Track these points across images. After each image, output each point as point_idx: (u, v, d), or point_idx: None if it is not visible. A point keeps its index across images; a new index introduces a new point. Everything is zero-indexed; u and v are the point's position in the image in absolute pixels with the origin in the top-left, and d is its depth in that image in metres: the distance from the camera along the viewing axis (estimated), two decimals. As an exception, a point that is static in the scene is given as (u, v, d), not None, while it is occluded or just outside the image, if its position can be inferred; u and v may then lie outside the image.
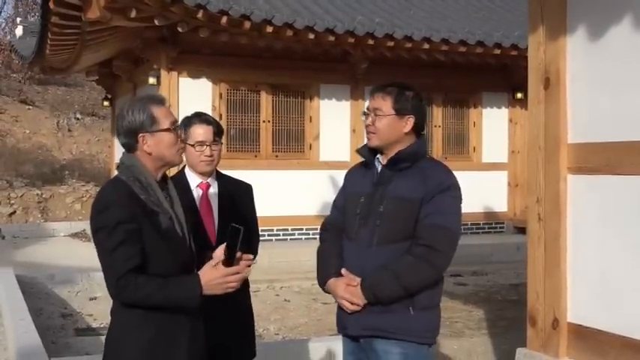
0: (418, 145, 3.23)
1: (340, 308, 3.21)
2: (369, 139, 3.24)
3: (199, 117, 3.74)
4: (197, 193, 3.70)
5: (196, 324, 2.84)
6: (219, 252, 2.71)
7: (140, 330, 2.72)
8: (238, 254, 2.65)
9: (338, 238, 3.28)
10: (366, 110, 3.26)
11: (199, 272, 2.70)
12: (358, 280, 3.10)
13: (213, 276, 2.66)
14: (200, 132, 3.66)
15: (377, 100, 3.21)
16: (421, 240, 3.05)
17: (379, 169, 3.24)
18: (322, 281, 3.26)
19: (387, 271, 3.03)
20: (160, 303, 2.66)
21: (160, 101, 2.86)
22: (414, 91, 3.25)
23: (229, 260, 2.64)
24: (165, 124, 2.79)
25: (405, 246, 3.07)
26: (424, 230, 3.05)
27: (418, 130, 3.24)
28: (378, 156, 3.26)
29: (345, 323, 3.20)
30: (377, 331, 3.10)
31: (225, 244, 2.66)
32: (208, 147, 3.67)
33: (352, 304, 3.10)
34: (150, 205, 2.72)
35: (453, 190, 3.13)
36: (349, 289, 3.11)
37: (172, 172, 3.40)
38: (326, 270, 3.25)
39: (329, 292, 3.23)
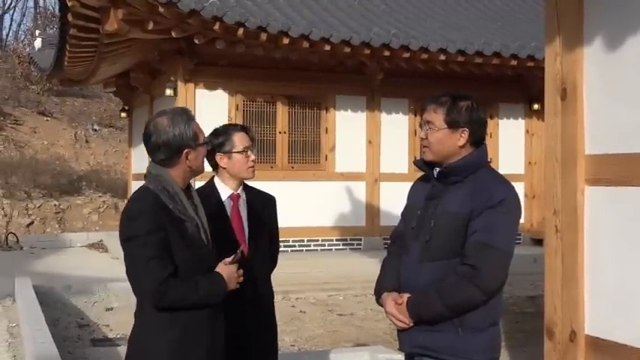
0: (474, 156, 3.07)
1: None
2: (423, 152, 3.12)
3: (236, 126, 3.90)
4: (228, 203, 3.75)
5: (216, 322, 2.98)
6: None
7: (166, 331, 2.85)
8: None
9: (401, 251, 3.19)
10: (421, 122, 3.14)
11: (217, 270, 2.93)
12: (405, 297, 3.02)
13: (230, 271, 2.98)
14: (247, 138, 3.79)
15: (429, 113, 3.09)
16: (466, 259, 2.92)
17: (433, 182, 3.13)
18: (377, 295, 3.19)
19: (431, 291, 2.93)
20: (195, 301, 2.84)
21: (193, 116, 3.02)
22: (470, 101, 3.10)
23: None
24: (201, 138, 2.97)
25: (456, 263, 2.95)
26: (470, 248, 2.92)
27: (476, 141, 3.09)
28: (436, 168, 3.13)
29: (400, 339, 3.14)
30: (426, 350, 3.02)
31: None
32: (252, 153, 3.84)
33: (399, 321, 3.03)
34: (176, 213, 2.85)
35: (504, 205, 2.96)
36: (397, 306, 3.03)
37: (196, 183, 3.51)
38: (381, 283, 3.18)
39: (382, 306, 3.16)
